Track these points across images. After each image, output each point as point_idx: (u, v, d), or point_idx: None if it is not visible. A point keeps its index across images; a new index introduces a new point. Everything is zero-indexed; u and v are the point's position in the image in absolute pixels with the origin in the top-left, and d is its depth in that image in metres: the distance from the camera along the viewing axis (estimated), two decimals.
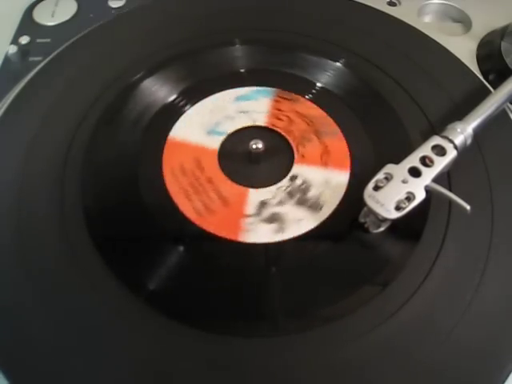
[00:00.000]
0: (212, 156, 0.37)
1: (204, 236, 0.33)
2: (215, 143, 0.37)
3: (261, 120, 0.39)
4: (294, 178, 0.36)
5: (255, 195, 0.35)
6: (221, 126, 0.38)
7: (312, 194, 0.35)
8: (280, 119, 0.39)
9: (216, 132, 0.38)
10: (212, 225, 0.33)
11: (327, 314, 0.30)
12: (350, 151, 0.37)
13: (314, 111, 0.39)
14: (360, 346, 0.29)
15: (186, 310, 0.31)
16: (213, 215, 0.34)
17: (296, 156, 0.37)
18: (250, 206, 0.34)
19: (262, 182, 0.36)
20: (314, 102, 0.39)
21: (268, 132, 0.38)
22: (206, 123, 0.38)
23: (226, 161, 0.37)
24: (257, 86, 0.40)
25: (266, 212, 0.34)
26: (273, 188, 0.35)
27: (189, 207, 0.34)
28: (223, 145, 0.37)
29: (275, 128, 0.38)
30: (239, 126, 0.38)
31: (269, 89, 0.40)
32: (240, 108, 0.39)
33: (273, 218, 0.34)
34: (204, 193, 0.35)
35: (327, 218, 0.34)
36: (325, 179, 0.35)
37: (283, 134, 0.38)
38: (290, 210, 0.34)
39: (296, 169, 0.36)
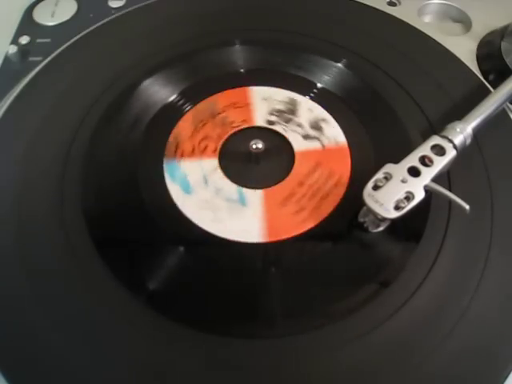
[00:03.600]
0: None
1: (204, 237, 0.33)
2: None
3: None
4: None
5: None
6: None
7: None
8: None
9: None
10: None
11: (327, 315, 0.30)
12: (350, 151, 0.37)
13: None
14: (360, 347, 0.29)
15: (186, 310, 0.31)
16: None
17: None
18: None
19: (262, 181, 0.36)
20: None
21: (268, 132, 0.38)
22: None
23: (227, 161, 0.37)
24: (257, 85, 0.40)
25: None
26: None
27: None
28: (223, 145, 0.37)
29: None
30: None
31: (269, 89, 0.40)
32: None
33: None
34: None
35: (327, 218, 0.34)
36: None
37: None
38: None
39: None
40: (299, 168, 0.36)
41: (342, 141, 0.38)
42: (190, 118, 0.38)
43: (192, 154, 0.36)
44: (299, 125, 0.38)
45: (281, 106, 0.39)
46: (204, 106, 0.39)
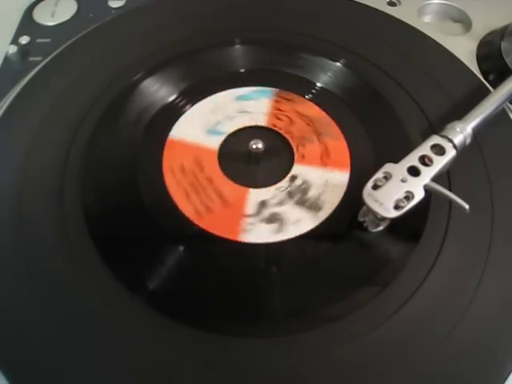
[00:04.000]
0: (212, 156, 0.37)
1: (204, 236, 0.33)
2: (215, 143, 0.37)
3: (261, 120, 0.39)
4: (293, 178, 0.36)
5: (255, 195, 0.35)
6: (221, 126, 0.38)
7: (312, 194, 0.35)
8: (280, 119, 0.39)
9: (216, 132, 0.38)
10: (212, 224, 0.33)
11: (327, 314, 0.30)
12: (349, 151, 0.37)
13: (315, 111, 0.39)
14: (360, 346, 0.29)
15: (186, 309, 0.31)
16: (212, 215, 0.34)
17: (296, 156, 0.37)
18: (250, 206, 0.34)
19: (262, 181, 0.36)
20: (314, 102, 0.39)
21: (268, 132, 0.38)
22: (207, 123, 0.39)
23: (227, 161, 0.37)
24: (257, 85, 0.40)
25: (266, 212, 0.34)
26: (273, 188, 0.35)
27: (189, 207, 0.34)
28: (223, 145, 0.37)
29: (275, 128, 0.38)
30: (239, 126, 0.38)
31: (269, 89, 0.40)
32: (240, 108, 0.39)
33: (273, 218, 0.34)
34: (204, 193, 0.35)
35: (327, 218, 0.34)
36: (325, 180, 0.35)
37: (283, 134, 0.38)
38: (290, 210, 0.34)
39: (296, 169, 0.36)
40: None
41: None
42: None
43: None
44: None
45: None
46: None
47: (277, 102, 0.40)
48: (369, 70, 0.42)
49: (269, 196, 0.35)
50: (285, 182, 0.35)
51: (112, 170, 0.36)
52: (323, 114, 0.39)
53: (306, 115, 0.39)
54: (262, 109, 0.39)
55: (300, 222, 0.33)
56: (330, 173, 0.36)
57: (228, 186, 0.35)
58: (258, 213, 0.34)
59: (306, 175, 0.36)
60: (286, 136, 0.38)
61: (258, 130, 0.38)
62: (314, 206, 0.34)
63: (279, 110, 0.39)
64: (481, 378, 0.29)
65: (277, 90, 0.40)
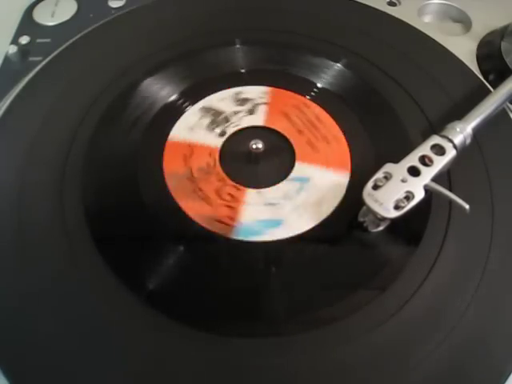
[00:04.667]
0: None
1: (205, 235, 0.33)
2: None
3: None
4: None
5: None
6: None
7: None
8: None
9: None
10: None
11: (327, 315, 0.30)
12: (350, 151, 0.37)
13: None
14: (360, 347, 0.29)
15: (186, 309, 0.31)
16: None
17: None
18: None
19: (262, 181, 0.36)
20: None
21: (268, 132, 0.38)
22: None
23: (227, 161, 0.37)
24: (257, 85, 0.41)
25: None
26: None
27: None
28: (223, 145, 0.37)
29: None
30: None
31: (269, 89, 0.40)
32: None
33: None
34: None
35: (327, 218, 0.34)
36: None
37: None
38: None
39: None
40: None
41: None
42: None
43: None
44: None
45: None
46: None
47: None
48: (369, 70, 0.42)
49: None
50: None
51: (112, 170, 0.36)
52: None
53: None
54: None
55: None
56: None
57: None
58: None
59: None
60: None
61: (257, 129, 0.38)
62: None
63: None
64: (481, 378, 0.29)
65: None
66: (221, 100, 0.40)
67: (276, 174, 0.36)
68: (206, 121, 0.39)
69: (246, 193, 0.35)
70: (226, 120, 0.39)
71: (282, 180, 0.36)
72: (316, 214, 0.34)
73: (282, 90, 0.40)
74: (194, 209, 0.34)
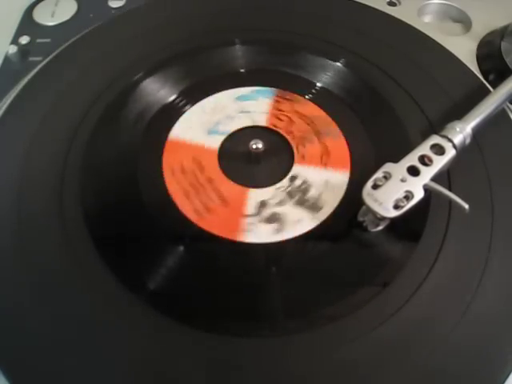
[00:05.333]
0: (212, 156, 0.37)
1: (204, 236, 0.33)
2: (215, 143, 0.38)
3: (261, 120, 0.39)
4: (293, 178, 0.36)
5: (255, 195, 0.35)
6: (221, 126, 0.38)
7: (311, 194, 0.35)
8: (280, 119, 0.39)
9: (216, 132, 0.38)
10: (211, 225, 0.33)
11: (327, 314, 0.30)
12: (349, 151, 0.37)
13: (315, 111, 0.39)
14: (360, 346, 0.29)
15: (186, 309, 0.31)
16: (212, 215, 0.34)
17: (296, 156, 0.37)
18: (250, 206, 0.34)
19: (262, 181, 0.36)
20: (314, 102, 0.39)
21: (268, 132, 0.38)
22: (207, 123, 0.39)
23: (226, 161, 0.37)
24: (257, 85, 0.41)
25: (266, 212, 0.34)
26: (272, 188, 0.35)
27: (188, 207, 0.34)
28: (223, 145, 0.37)
29: (275, 128, 0.38)
30: (239, 126, 0.38)
31: (269, 89, 0.40)
32: (240, 108, 0.39)
33: (273, 218, 0.34)
34: (204, 192, 0.35)
35: (327, 218, 0.34)
36: (324, 180, 0.35)
37: (283, 134, 0.38)
38: (290, 210, 0.34)
39: (296, 169, 0.36)
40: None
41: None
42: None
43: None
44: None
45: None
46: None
47: (277, 102, 0.40)
48: (369, 69, 0.42)
49: (268, 196, 0.35)
50: (285, 182, 0.35)
51: (112, 170, 0.36)
52: (323, 113, 0.39)
53: (306, 115, 0.39)
54: (262, 109, 0.39)
55: (300, 222, 0.33)
56: (329, 173, 0.36)
57: (228, 186, 0.35)
58: (257, 213, 0.34)
59: (306, 175, 0.36)
60: (286, 136, 0.38)
61: (257, 129, 0.38)
62: (314, 206, 0.34)
63: (279, 110, 0.39)
64: (481, 377, 0.29)
65: (277, 90, 0.40)
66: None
67: (276, 173, 0.36)
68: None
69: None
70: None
71: (281, 180, 0.36)
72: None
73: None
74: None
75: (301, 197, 0.35)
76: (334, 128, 0.38)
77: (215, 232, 0.33)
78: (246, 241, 0.33)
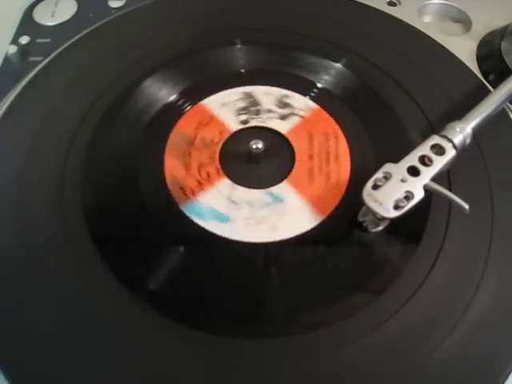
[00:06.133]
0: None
1: (204, 236, 0.33)
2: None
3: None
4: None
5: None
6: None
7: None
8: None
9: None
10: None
11: (326, 316, 0.30)
12: (349, 150, 0.37)
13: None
14: (359, 348, 0.29)
15: (186, 310, 0.31)
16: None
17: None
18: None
19: (243, 179, 0.36)
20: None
21: (269, 133, 0.38)
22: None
23: (230, 146, 0.37)
24: (257, 85, 0.41)
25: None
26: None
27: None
28: (238, 131, 0.38)
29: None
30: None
31: (317, 107, 0.39)
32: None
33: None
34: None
35: (327, 218, 0.34)
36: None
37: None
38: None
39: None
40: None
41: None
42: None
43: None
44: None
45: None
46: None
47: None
48: (369, 69, 0.42)
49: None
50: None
51: (112, 170, 0.36)
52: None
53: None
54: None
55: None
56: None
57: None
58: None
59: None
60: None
61: (258, 130, 0.38)
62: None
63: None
64: (481, 377, 0.29)
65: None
66: (266, 94, 0.40)
67: (262, 182, 0.36)
68: (240, 105, 0.39)
69: (222, 180, 0.36)
70: (257, 113, 0.39)
71: (260, 188, 0.35)
72: (262, 234, 0.33)
73: (325, 114, 0.39)
74: (171, 168, 0.35)
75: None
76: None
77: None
78: (246, 242, 0.33)
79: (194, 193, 0.35)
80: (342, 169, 0.36)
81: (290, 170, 0.36)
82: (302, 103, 0.39)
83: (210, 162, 0.36)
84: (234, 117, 0.39)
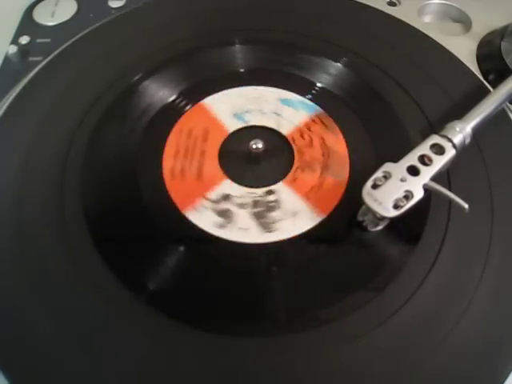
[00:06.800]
0: (221, 135, 0.38)
1: (204, 236, 0.33)
2: (232, 127, 0.38)
3: (285, 129, 0.38)
4: (270, 192, 0.35)
5: (227, 186, 0.35)
6: (248, 116, 0.39)
7: (273, 215, 0.34)
8: (302, 137, 0.38)
9: (241, 118, 0.39)
10: (174, 188, 0.35)
11: (326, 315, 0.30)
12: (349, 150, 0.37)
13: (338, 146, 0.37)
14: (359, 347, 0.29)
15: (187, 310, 0.31)
16: (181, 181, 0.35)
17: (288, 176, 0.36)
18: (215, 193, 0.35)
19: (244, 180, 0.36)
20: (344, 137, 0.38)
21: (270, 133, 0.38)
22: (240, 106, 0.39)
23: (229, 146, 0.37)
24: (257, 85, 0.41)
25: (223, 205, 0.34)
26: (246, 190, 0.35)
27: (169, 164, 0.36)
28: (236, 131, 0.38)
29: (292, 143, 0.38)
30: (263, 124, 0.39)
31: (315, 106, 0.39)
32: (277, 110, 0.39)
33: (223, 213, 0.34)
34: (190, 159, 0.36)
35: (326, 217, 0.34)
36: (295, 210, 0.34)
37: (295, 150, 0.37)
38: (243, 216, 0.34)
39: (278, 186, 0.36)
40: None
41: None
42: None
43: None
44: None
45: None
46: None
47: (312, 121, 0.39)
48: (369, 69, 0.42)
49: (237, 194, 0.35)
50: (259, 192, 0.35)
51: (112, 171, 0.36)
52: (345, 152, 0.37)
53: (327, 145, 0.37)
54: (295, 120, 0.39)
55: (244, 230, 0.33)
56: (305, 207, 0.35)
57: (212, 167, 0.36)
58: (216, 201, 0.35)
59: (283, 197, 0.35)
60: (296, 154, 0.37)
61: (258, 130, 0.38)
62: (266, 226, 0.34)
63: (308, 129, 0.38)
64: (481, 377, 0.29)
65: (320, 110, 0.39)
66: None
67: (260, 180, 0.36)
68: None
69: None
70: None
71: (259, 187, 0.35)
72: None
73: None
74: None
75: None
76: (343, 172, 0.36)
77: (171, 196, 0.34)
78: (245, 242, 0.33)
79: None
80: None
81: (289, 171, 0.36)
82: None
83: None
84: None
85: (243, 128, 0.38)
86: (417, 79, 0.41)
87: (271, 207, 0.34)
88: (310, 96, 0.40)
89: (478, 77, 0.42)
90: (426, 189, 0.31)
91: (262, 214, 0.34)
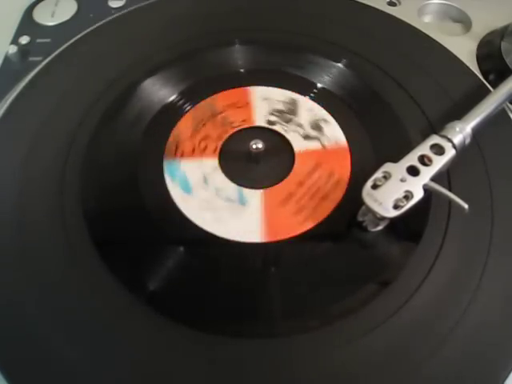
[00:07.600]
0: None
1: (204, 237, 0.33)
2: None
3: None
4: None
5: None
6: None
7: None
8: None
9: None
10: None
11: (326, 315, 0.30)
12: (350, 150, 0.37)
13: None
14: (360, 347, 0.29)
15: (186, 310, 0.31)
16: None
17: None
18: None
19: (241, 178, 0.36)
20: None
21: (268, 132, 0.38)
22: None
23: (227, 160, 0.37)
24: (257, 85, 0.41)
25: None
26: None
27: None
28: (224, 145, 0.38)
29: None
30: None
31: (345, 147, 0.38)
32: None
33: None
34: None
35: (326, 218, 0.34)
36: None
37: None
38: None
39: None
40: (299, 168, 0.36)
41: (342, 141, 0.37)
42: (190, 119, 0.38)
43: (192, 153, 0.37)
44: (299, 125, 0.38)
45: (281, 106, 0.39)
46: (204, 106, 0.39)
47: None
48: (369, 70, 0.42)
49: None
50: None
51: (113, 171, 0.36)
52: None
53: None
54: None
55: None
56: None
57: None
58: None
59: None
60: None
61: (257, 129, 0.38)
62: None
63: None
64: (481, 377, 0.29)
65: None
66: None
67: (276, 173, 0.36)
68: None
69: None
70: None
71: (281, 180, 0.35)
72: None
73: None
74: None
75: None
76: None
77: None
78: (245, 241, 0.33)
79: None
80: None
81: (274, 184, 0.35)
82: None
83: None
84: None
85: (243, 129, 0.38)
86: (417, 79, 0.41)
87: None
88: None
89: (478, 77, 0.42)
90: (426, 189, 0.31)
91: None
